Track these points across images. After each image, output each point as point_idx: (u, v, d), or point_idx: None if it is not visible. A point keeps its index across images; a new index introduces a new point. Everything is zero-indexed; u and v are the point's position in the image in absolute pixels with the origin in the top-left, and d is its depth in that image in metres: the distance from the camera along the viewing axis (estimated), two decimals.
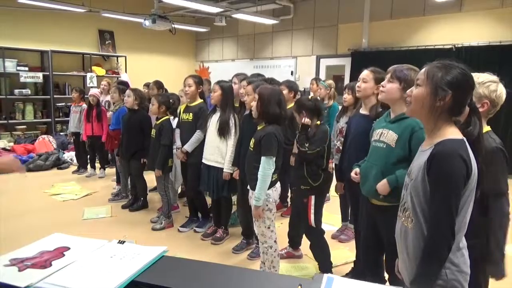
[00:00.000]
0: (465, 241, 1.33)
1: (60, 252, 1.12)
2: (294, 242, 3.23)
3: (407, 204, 1.38)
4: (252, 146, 2.58)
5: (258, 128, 2.60)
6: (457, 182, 1.23)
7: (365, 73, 2.54)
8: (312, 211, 2.69)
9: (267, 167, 2.43)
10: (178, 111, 4.03)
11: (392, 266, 1.96)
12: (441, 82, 1.27)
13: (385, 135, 2.00)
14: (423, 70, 1.35)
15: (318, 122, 2.72)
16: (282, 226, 3.68)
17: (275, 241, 2.63)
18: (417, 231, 1.32)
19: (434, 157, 1.26)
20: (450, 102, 1.28)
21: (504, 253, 1.80)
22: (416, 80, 1.36)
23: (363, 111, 2.66)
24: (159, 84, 4.98)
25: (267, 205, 2.51)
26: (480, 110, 1.74)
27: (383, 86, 2.03)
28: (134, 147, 4.17)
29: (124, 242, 1.19)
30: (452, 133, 1.29)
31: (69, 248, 1.14)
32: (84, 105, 5.73)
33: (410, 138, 1.90)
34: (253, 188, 2.55)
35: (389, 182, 1.93)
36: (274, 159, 2.46)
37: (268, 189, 2.48)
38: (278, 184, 2.60)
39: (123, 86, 4.97)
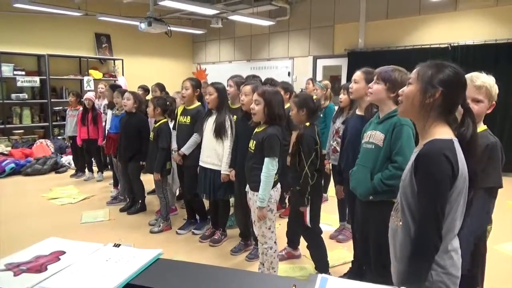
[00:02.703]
0: (456, 244, 1.31)
1: (55, 256, 1.12)
2: (293, 242, 3.23)
3: (399, 205, 1.37)
4: (252, 148, 2.57)
5: (257, 130, 2.60)
6: (441, 182, 1.21)
7: (357, 74, 2.59)
8: (308, 211, 2.70)
9: (271, 168, 2.44)
10: (176, 113, 4.03)
11: (376, 261, 2.02)
12: (431, 79, 1.28)
13: (373, 136, 2.08)
14: (415, 70, 1.36)
15: (308, 124, 2.71)
16: (280, 227, 3.69)
17: (275, 242, 2.63)
18: (405, 232, 1.31)
19: (420, 158, 1.25)
20: (440, 100, 1.27)
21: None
22: (408, 79, 1.37)
23: (359, 112, 2.68)
24: (161, 87, 4.98)
25: (268, 206, 2.51)
26: (488, 111, 1.79)
27: (370, 88, 2.11)
28: (131, 150, 4.17)
29: (119, 245, 1.19)
30: (442, 133, 1.27)
31: (64, 252, 1.14)
32: (81, 109, 5.71)
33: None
34: (253, 189, 2.56)
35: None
36: (277, 159, 2.47)
37: None
38: (278, 185, 2.60)
39: (124, 89, 4.95)
